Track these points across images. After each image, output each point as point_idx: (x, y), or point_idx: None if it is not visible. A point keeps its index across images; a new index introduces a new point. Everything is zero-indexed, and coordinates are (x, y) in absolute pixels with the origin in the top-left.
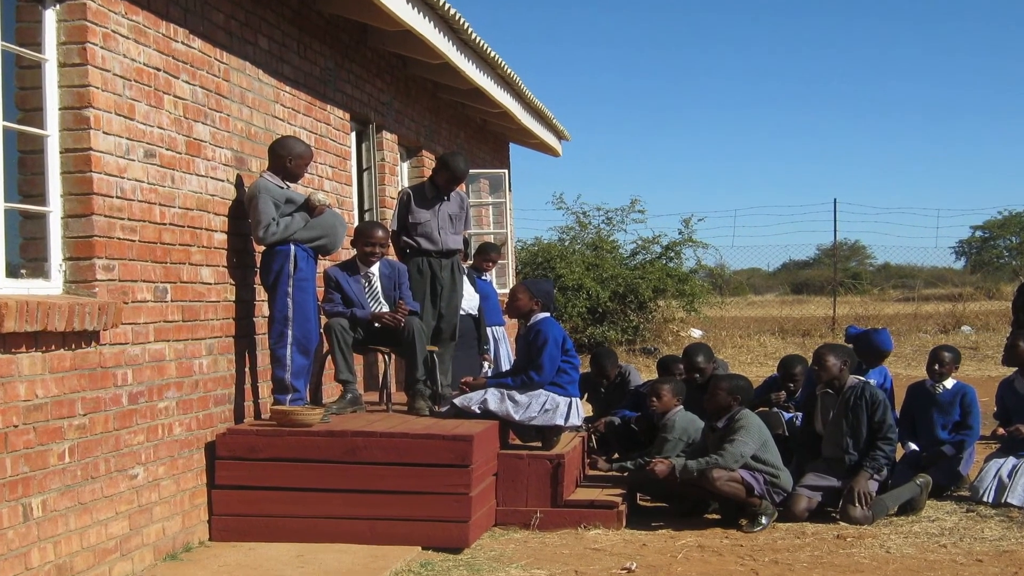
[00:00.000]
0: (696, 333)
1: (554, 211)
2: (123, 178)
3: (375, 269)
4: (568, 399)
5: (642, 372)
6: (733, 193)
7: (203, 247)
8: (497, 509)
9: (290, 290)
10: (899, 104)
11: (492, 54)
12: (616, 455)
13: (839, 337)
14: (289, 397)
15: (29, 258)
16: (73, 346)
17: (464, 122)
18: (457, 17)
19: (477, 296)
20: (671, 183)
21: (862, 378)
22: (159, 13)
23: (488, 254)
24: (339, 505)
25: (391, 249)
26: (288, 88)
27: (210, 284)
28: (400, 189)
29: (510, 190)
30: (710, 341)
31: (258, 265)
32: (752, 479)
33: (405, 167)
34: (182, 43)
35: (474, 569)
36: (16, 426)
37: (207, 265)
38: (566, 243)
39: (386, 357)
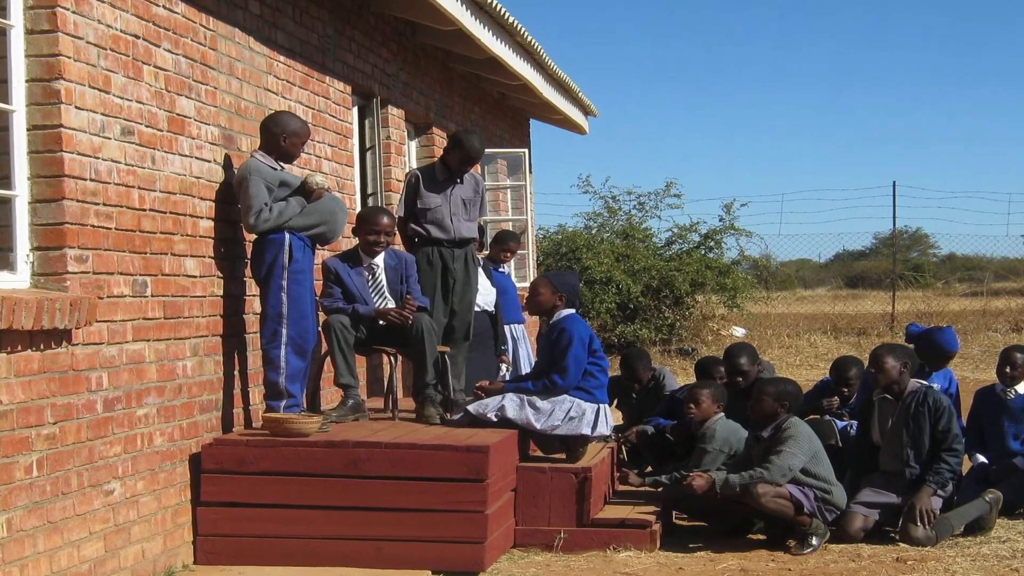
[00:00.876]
0: (739, 332)
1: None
2: (98, 158)
3: (380, 260)
4: (595, 406)
5: (678, 375)
6: (780, 175)
7: (187, 235)
8: (516, 528)
9: (284, 283)
10: (967, 77)
11: (510, 20)
12: (649, 468)
13: (899, 336)
14: (283, 403)
15: None
16: (42, 346)
17: (479, 96)
18: None
19: (494, 290)
20: (711, 164)
21: (924, 382)
22: None
23: (506, 243)
24: (340, 524)
25: (397, 238)
26: (282, 58)
27: (195, 277)
28: (408, 171)
29: (531, 172)
30: (754, 341)
31: (249, 256)
32: (801, 495)
33: (413, 146)
34: (164, 7)
35: None
36: None
37: (192, 256)
38: (593, 231)
39: (392, 359)
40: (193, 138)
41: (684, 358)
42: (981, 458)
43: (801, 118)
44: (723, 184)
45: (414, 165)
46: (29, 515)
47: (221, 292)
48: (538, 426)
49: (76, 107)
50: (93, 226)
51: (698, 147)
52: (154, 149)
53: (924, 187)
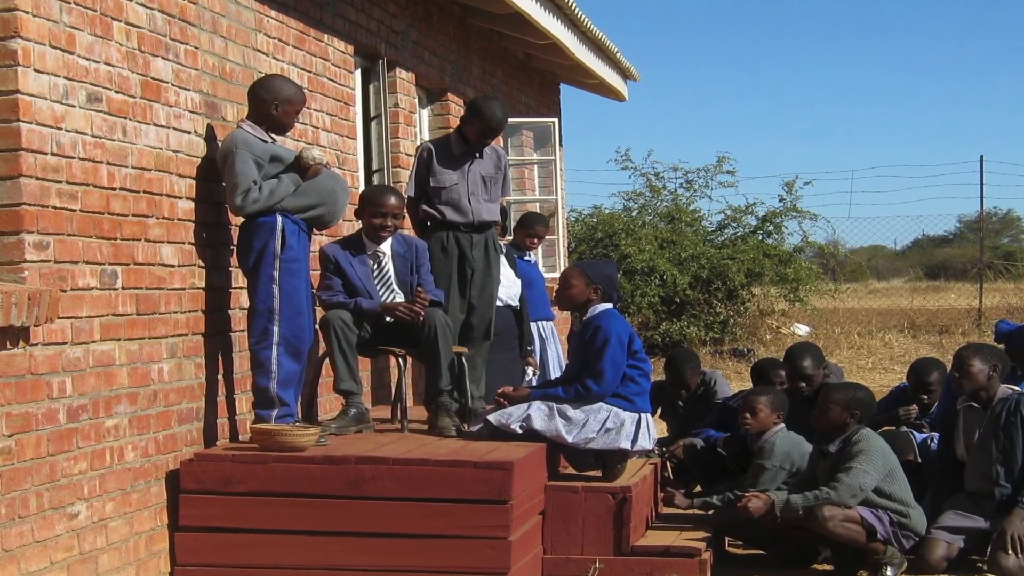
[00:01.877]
0: (802, 330)
1: (618, 172)
2: (60, 129)
3: (386, 247)
4: (636, 415)
5: (731, 380)
6: (850, 150)
7: (164, 219)
8: (544, 557)
9: (276, 274)
10: None
11: None
12: (698, 487)
13: (987, 335)
14: (275, 412)
15: None
16: None
17: (502, 57)
18: None
19: (518, 282)
20: (769, 136)
21: (1017, 388)
22: None
23: (533, 228)
24: (339, 552)
25: (407, 221)
26: (274, 13)
27: (173, 267)
28: (419, 143)
29: (561, 145)
30: (820, 340)
31: (235, 242)
32: (874, 519)
33: (425, 115)
34: None
35: None
36: None
37: (169, 242)
38: (633, 213)
39: (400, 361)
40: (170, 106)
41: (738, 360)
42: None
43: (875, 83)
44: (783, 159)
45: (426, 137)
46: None
47: (203, 284)
48: (570, 439)
49: (35, 70)
50: (55, 208)
51: (754, 116)
52: (125, 119)
53: (1016, 163)
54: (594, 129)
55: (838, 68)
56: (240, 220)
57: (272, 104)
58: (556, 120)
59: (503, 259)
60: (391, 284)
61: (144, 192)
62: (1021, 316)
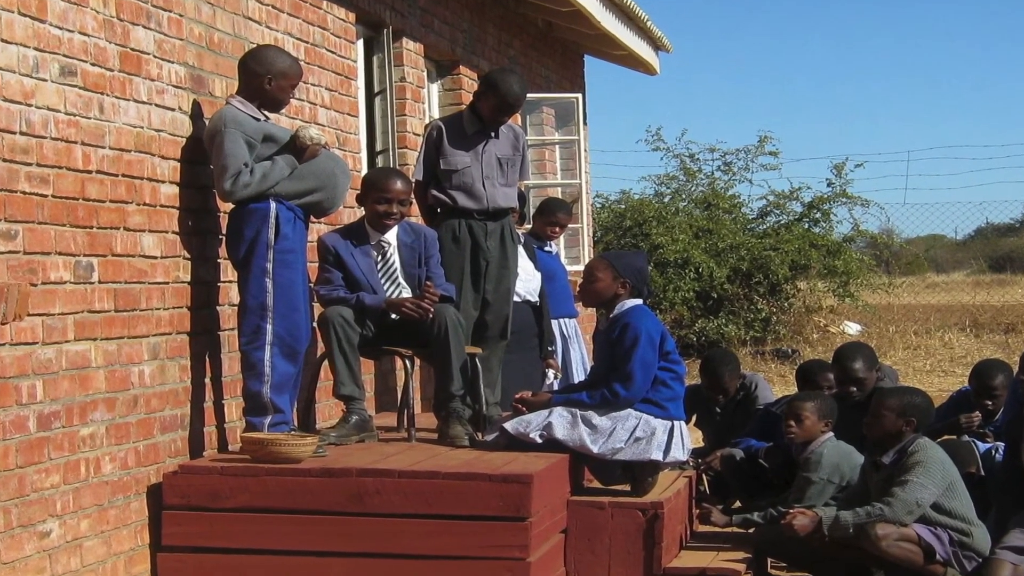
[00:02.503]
0: (853, 329)
1: (648, 153)
2: (30, 106)
3: (392, 237)
4: (668, 423)
5: (774, 384)
6: (905, 128)
7: (145, 205)
8: None
9: (269, 267)
10: None
11: None
12: (737, 503)
13: None
14: (268, 420)
15: None
16: None
17: (520, 26)
18: None
19: (538, 275)
20: (816, 113)
21: None
22: None
23: (554, 215)
24: (340, 574)
25: (415, 207)
26: None
27: (155, 258)
28: (428, 122)
29: (585, 123)
30: (872, 340)
31: (224, 231)
32: (933, 538)
33: (435, 90)
34: None
35: None
36: None
37: (151, 231)
38: (666, 199)
39: (407, 363)
40: (152, 80)
41: (782, 362)
42: None
43: (934, 54)
44: (832, 139)
45: (436, 115)
46: None
47: (188, 278)
48: (595, 449)
49: (3, 40)
50: (24, 193)
51: (800, 91)
52: (103, 94)
53: None
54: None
55: (892, 37)
56: (230, 206)
57: (265, 78)
58: (580, 96)
59: (521, 250)
60: (397, 277)
61: (123, 176)
62: None
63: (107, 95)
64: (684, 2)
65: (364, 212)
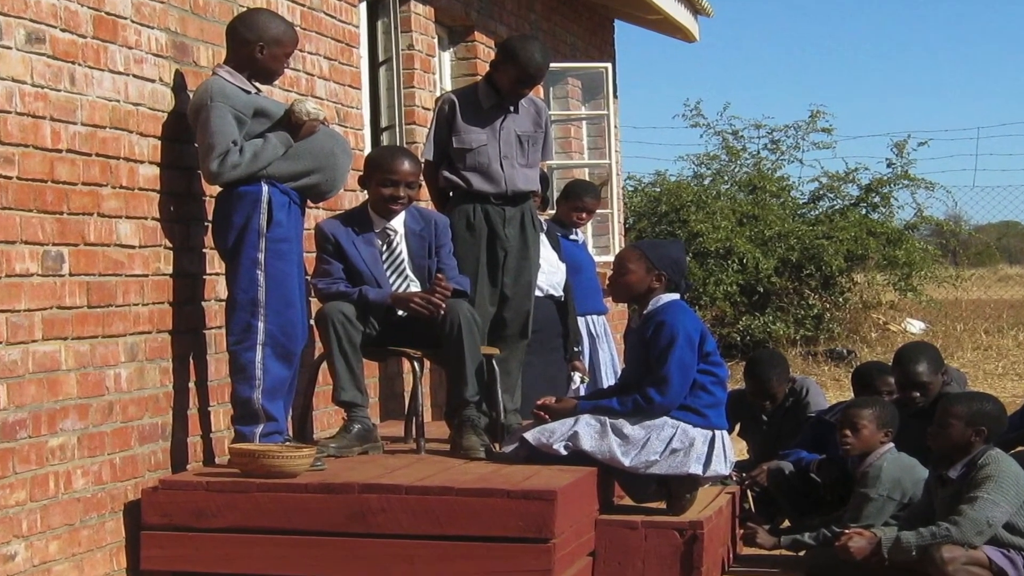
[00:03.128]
0: (916, 327)
1: (687, 130)
2: None
3: (398, 224)
4: (709, 432)
5: (828, 389)
6: (975, 103)
7: (122, 188)
8: None
9: (261, 257)
10: None
11: None
12: (786, 522)
13: None
14: (259, 429)
15: None
16: None
17: None
18: None
19: (563, 267)
20: (874, 86)
21: None
22: None
23: (581, 200)
24: None
25: (424, 191)
26: None
27: (133, 248)
28: (440, 95)
29: (616, 96)
30: (937, 339)
31: (210, 217)
32: (1006, 562)
33: (447, 58)
34: None
35: None
36: None
37: (128, 217)
38: (706, 181)
39: (416, 365)
40: (130, 48)
41: (837, 364)
42: None
43: (1005, 21)
44: (892, 115)
45: (448, 87)
46: None
47: (170, 270)
48: (626, 462)
49: None
50: None
51: (856, 61)
52: (74, 64)
53: None
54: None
55: (960, 1)
56: (216, 190)
57: (256, 45)
58: (609, 65)
59: (543, 238)
60: (404, 269)
61: (97, 155)
62: None
63: (79, 64)
64: None
65: (368, 196)
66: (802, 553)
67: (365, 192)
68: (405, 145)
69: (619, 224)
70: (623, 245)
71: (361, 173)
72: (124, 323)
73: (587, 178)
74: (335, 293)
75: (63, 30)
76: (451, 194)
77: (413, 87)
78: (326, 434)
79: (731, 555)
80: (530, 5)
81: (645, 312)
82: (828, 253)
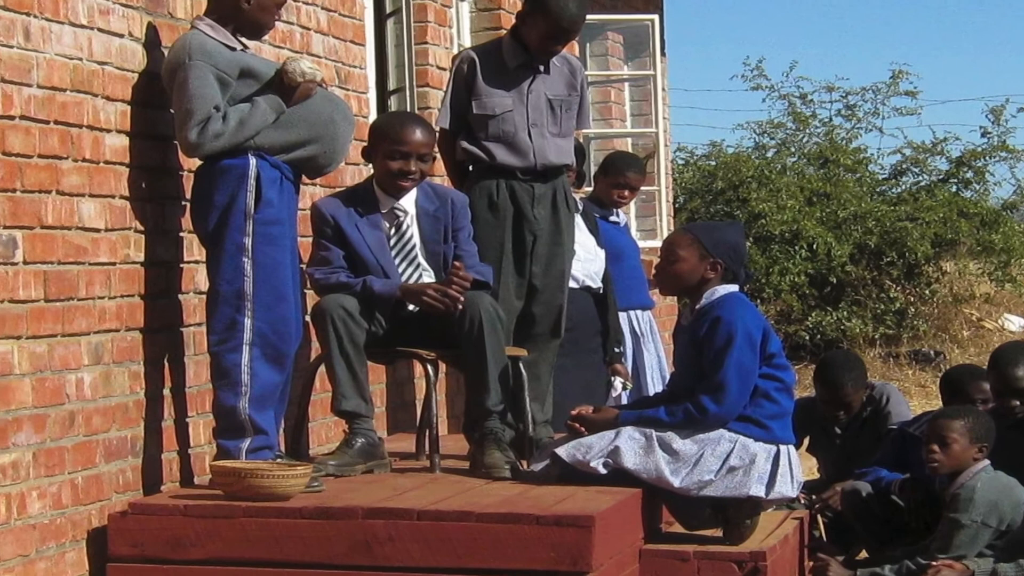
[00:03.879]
0: (1015, 324)
1: (746, 93)
2: None
3: (409, 203)
4: (772, 447)
5: (911, 397)
6: None
7: (85, 162)
8: None
9: (248, 242)
10: None
11: None
12: (863, 552)
13: None
14: (246, 444)
15: None
16: None
17: None
18: None
19: (602, 254)
20: (966, 43)
21: None
22: None
23: (623, 175)
24: None
25: (439, 165)
26: None
27: (98, 231)
28: (457, 52)
29: (664, 54)
30: None
31: (189, 196)
32: None
33: (465, 10)
34: None
35: None
36: None
37: (92, 195)
38: (769, 153)
39: (430, 369)
40: None
41: (923, 367)
42: None
43: None
44: (987, 75)
45: (467, 43)
46: None
47: (142, 257)
48: (676, 482)
49: None
50: None
51: (944, 14)
52: (28, 15)
53: None
54: (712, 31)
55: None
56: (196, 163)
57: None
58: (656, 17)
59: (579, 220)
60: (416, 257)
61: (56, 123)
62: None
63: (34, 17)
64: None
65: (373, 171)
66: None
67: (370, 166)
68: (417, 111)
69: (667, 204)
70: (672, 228)
71: (365, 144)
72: (87, 319)
73: (630, 150)
74: (335, 284)
75: None
76: (471, 168)
77: (426, 43)
78: (324, 449)
79: None
80: None
81: (698, 307)
82: (912, 237)
